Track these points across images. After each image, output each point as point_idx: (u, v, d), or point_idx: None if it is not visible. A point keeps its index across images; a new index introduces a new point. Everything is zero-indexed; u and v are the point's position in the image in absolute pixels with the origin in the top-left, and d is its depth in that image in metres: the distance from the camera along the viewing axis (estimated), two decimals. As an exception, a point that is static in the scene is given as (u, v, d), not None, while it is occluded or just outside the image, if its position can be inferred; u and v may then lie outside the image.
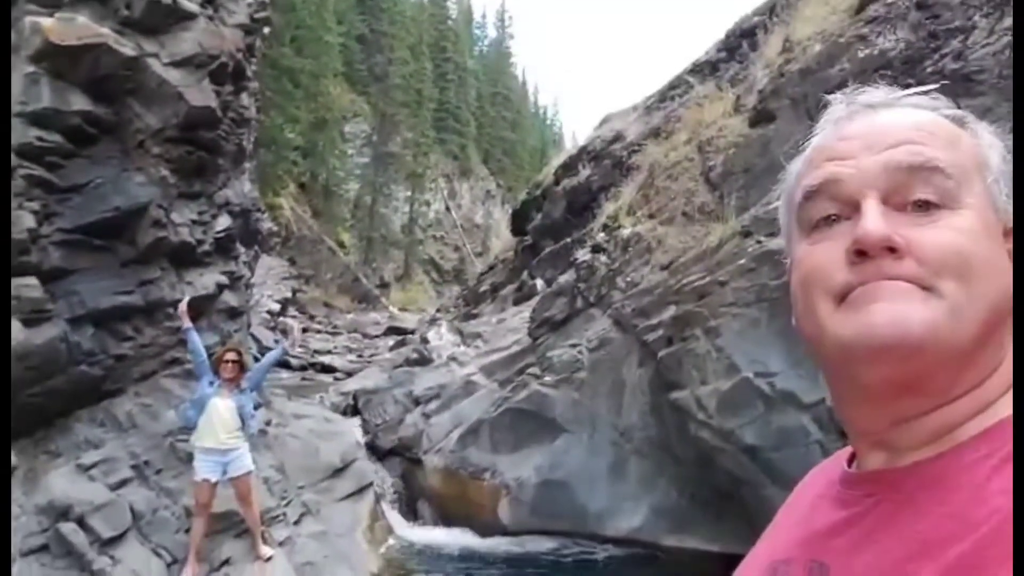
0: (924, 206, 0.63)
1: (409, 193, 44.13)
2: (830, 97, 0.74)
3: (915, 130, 0.66)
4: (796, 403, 6.23)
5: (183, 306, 6.53)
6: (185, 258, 7.43)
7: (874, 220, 0.63)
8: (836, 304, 0.64)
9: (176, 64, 6.88)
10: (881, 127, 0.67)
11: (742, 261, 6.90)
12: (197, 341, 6.45)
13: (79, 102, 6.19)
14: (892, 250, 0.62)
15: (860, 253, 0.63)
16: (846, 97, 0.72)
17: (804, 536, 0.70)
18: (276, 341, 15.81)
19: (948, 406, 0.63)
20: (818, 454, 5.98)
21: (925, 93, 0.70)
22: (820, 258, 0.66)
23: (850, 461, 0.74)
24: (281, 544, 6.52)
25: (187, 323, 6.46)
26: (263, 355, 9.97)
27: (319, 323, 26.14)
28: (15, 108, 5.75)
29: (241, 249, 8.66)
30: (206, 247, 7.70)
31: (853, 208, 0.65)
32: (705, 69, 13.66)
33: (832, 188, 0.67)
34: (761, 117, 8.88)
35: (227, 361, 6.34)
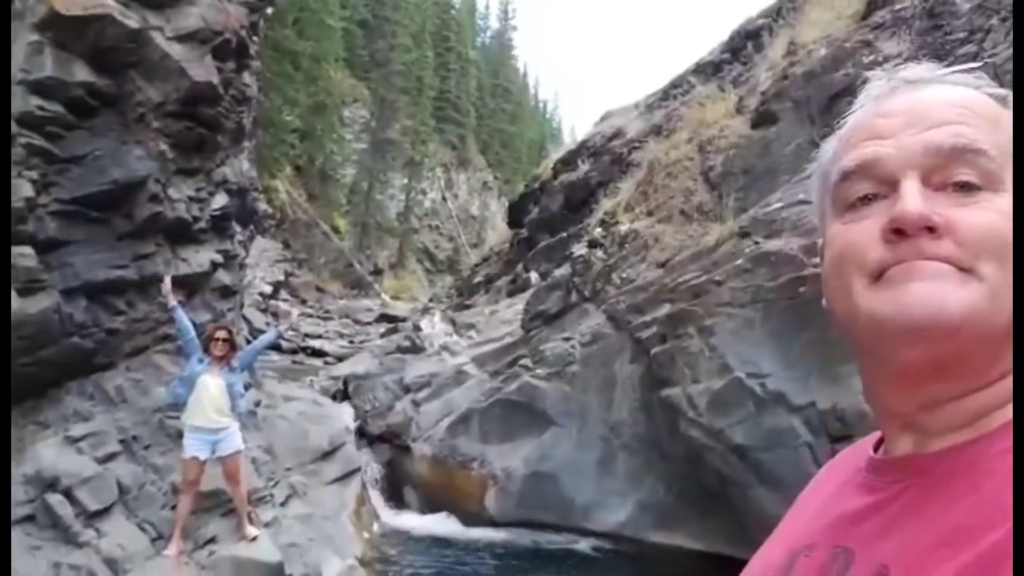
0: (965, 187, 0.62)
1: (406, 181, 43.97)
2: (871, 73, 0.72)
3: (958, 109, 0.64)
4: (787, 405, 6.25)
5: (167, 284, 6.49)
6: (181, 234, 7.39)
7: (913, 198, 0.61)
8: (871, 283, 0.63)
9: (180, 39, 6.84)
10: (923, 105, 0.66)
11: (739, 262, 6.92)
12: (184, 319, 6.43)
13: (81, 73, 6.14)
14: (931, 230, 0.60)
15: (897, 232, 0.61)
16: (887, 73, 0.71)
17: (828, 522, 0.69)
18: (268, 324, 15.80)
19: (982, 391, 0.61)
20: (807, 456, 6.02)
21: (968, 71, 0.68)
22: (855, 236, 0.65)
23: (875, 448, 0.73)
24: (267, 525, 6.51)
25: (172, 301, 6.44)
26: (254, 337, 9.95)
27: (311, 307, 26.07)
28: (17, 76, 5.70)
29: (237, 228, 8.62)
30: (202, 224, 7.65)
31: (891, 187, 0.64)
32: (708, 69, 13.66)
33: (871, 168, 0.66)
34: (763, 119, 8.88)
35: (217, 339, 6.31)
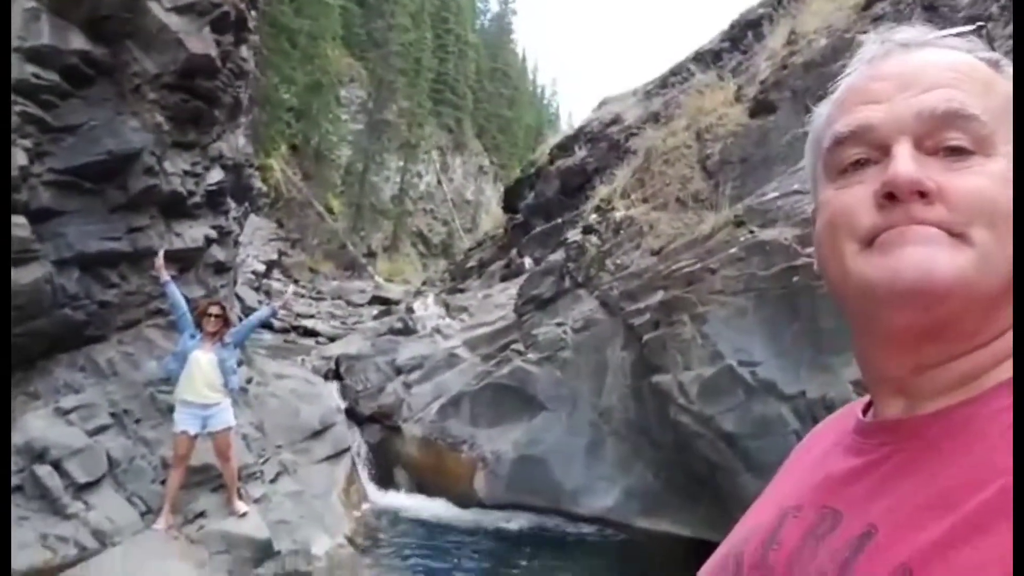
0: (957, 151, 0.62)
1: (401, 163, 43.80)
2: (865, 36, 0.72)
3: (950, 73, 0.64)
4: (777, 393, 6.28)
5: (160, 260, 6.46)
6: (175, 208, 7.35)
7: (905, 163, 0.61)
8: (862, 247, 0.63)
9: (178, 10, 6.78)
10: (915, 68, 0.66)
11: (733, 250, 6.92)
12: (177, 294, 6.41)
13: (78, 41, 6.08)
14: (922, 195, 0.60)
15: (889, 196, 0.62)
16: (880, 35, 0.71)
17: (816, 483, 0.69)
18: (261, 302, 15.77)
19: (972, 354, 0.62)
20: (795, 444, 6.03)
21: (961, 35, 0.68)
22: (847, 201, 0.65)
23: (864, 412, 0.73)
24: (256, 501, 6.53)
25: (165, 276, 6.41)
26: (246, 315, 9.92)
27: (303, 287, 26.02)
28: (13, 43, 5.63)
29: (232, 204, 8.58)
30: (197, 199, 7.62)
31: (883, 152, 0.64)
32: (707, 57, 13.62)
33: (864, 134, 0.65)
34: (761, 108, 8.88)
35: (210, 315, 6.30)
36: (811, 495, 0.68)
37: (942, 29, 0.70)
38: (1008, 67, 0.67)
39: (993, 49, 0.68)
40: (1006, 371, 0.61)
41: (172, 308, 6.50)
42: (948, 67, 0.65)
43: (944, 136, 0.62)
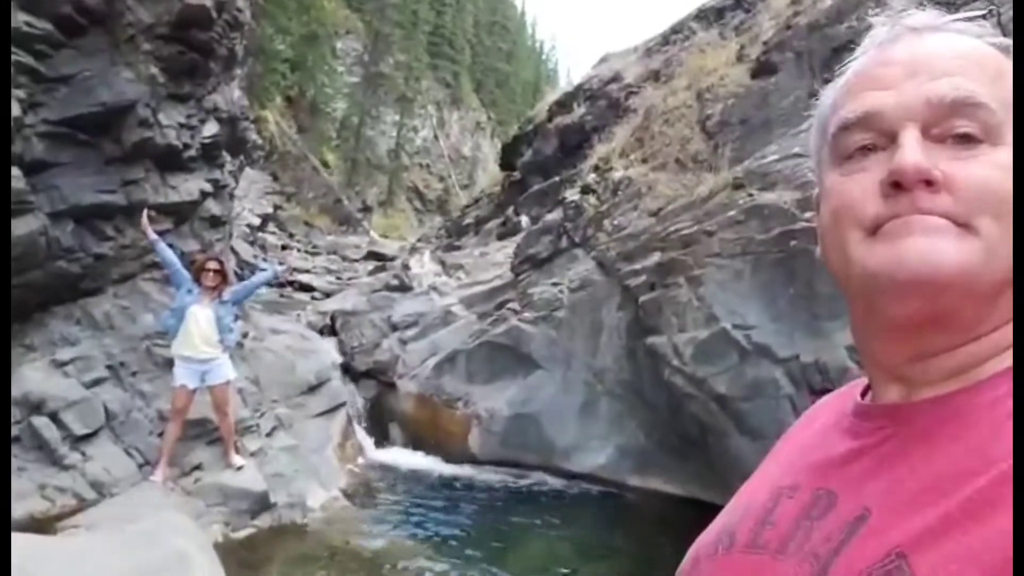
0: (965, 139, 0.61)
1: (398, 117, 43.34)
2: (874, 19, 0.71)
3: (960, 60, 0.64)
4: (771, 357, 6.32)
5: (145, 219, 6.42)
6: (170, 161, 7.28)
7: (912, 152, 0.61)
8: (867, 236, 0.63)
9: (172, -42, 6.64)
10: (925, 54, 0.65)
11: (731, 213, 6.90)
12: (167, 251, 6.40)
13: (70, -11, 5.97)
14: (929, 184, 0.60)
15: (895, 185, 0.61)
16: (890, 19, 0.70)
17: (812, 464, 0.70)
18: (256, 256, 15.72)
19: (972, 343, 0.62)
20: (787, 407, 6.11)
21: (971, 19, 0.67)
22: (852, 188, 0.65)
23: (863, 394, 0.74)
24: (253, 455, 6.59)
25: (152, 235, 6.39)
26: (242, 269, 9.91)
27: (298, 241, 25.93)
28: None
29: (227, 157, 8.50)
30: (192, 152, 7.54)
31: (890, 138, 0.64)
32: (710, 15, 13.41)
33: (871, 120, 0.65)
34: (763, 69, 8.78)
35: (208, 269, 6.30)
36: (807, 476, 0.69)
37: (952, 13, 0.69)
38: None
39: (1004, 34, 0.68)
40: (1005, 360, 0.61)
41: (166, 266, 6.49)
42: (958, 54, 0.64)
43: (952, 124, 0.62)
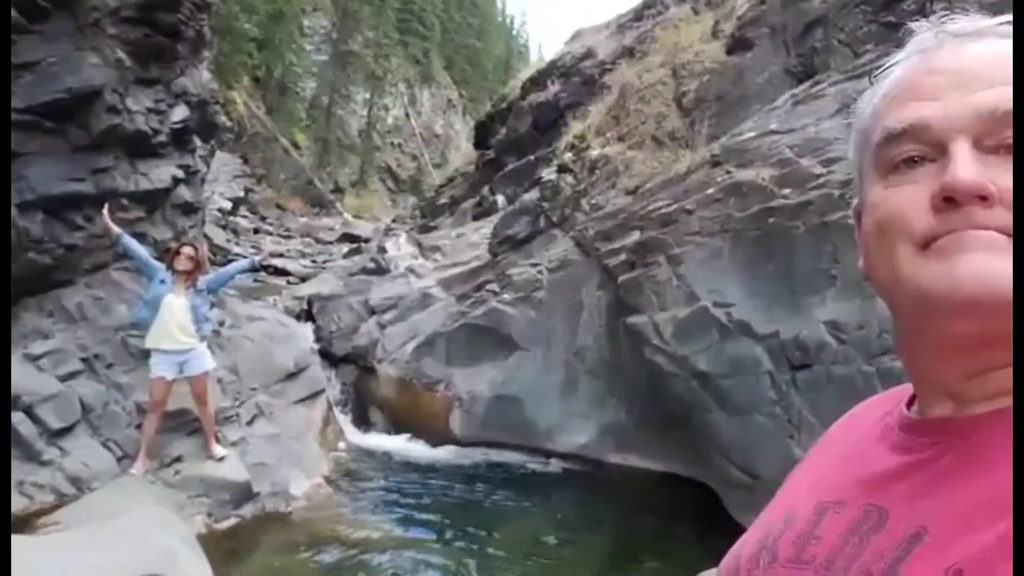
0: None
1: (368, 96, 42.83)
2: (915, 25, 0.69)
3: (1007, 66, 0.61)
4: (750, 334, 6.36)
5: (105, 214, 6.27)
6: (140, 148, 7.12)
7: (965, 166, 0.58)
8: (918, 251, 0.60)
9: (135, -62, 6.45)
10: (971, 63, 0.63)
11: (710, 191, 6.91)
12: (133, 244, 6.29)
13: (31, -28, 5.78)
14: (983, 199, 0.58)
15: (948, 200, 0.59)
16: (933, 24, 0.67)
17: (858, 479, 0.68)
18: (229, 241, 15.52)
19: None
20: (767, 383, 6.16)
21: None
22: (902, 202, 0.62)
23: (907, 405, 0.71)
24: (234, 444, 6.53)
25: (115, 230, 6.25)
26: (215, 255, 9.77)
27: (271, 225, 25.65)
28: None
29: (198, 142, 8.33)
30: (162, 137, 7.38)
31: (939, 150, 0.61)
32: (683, -10, 13.36)
33: (918, 132, 0.62)
34: (738, 44, 8.78)
35: (183, 255, 6.19)
36: (854, 491, 0.67)
37: (995, 15, 0.67)
38: None
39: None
40: None
41: (135, 259, 6.38)
42: (1006, 60, 0.62)
43: (1005, 135, 0.59)
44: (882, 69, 0.70)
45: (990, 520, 0.54)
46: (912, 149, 0.63)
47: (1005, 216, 0.58)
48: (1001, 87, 0.61)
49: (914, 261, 0.61)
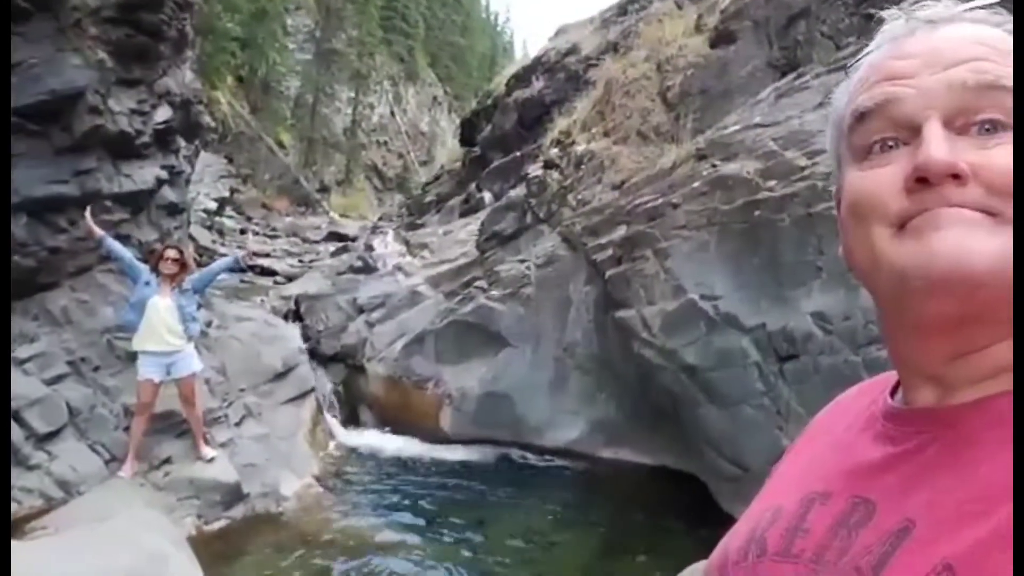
0: (990, 126, 0.60)
1: (353, 95, 42.66)
2: (886, 13, 0.69)
3: (980, 46, 0.62)
4: (737, 326, 6.39)
5: (88, 217, 6.23)
6: (123, 149, 7.07)
7: (938, 145, 0.59)
8: (894, 232, 0.61)
9: (116, -62, 6.40)
10: (942, 44, 0.63)
11: (695, 184, 6.93)
12: (116, 246, 6.26)
13: (9, -28, 5.72)
14: (956, 177, 0.58)
15: (921, 180, 0.59)
16: (904, 12, 0.68)
17: (844, 470, 0.67)
18: (215, 242, 15.44)
19: (1008, 340, 0.59)
20: (755, 375, 6.20)
21: (987, 7, 0.66)
22: (875, 184, 0.62)
23: (891, 393, 0.71)
24: (223, 445, 6.51)
25: (98, 232, 6.22)
26: (201, 256, 9.72)
27: (257, 224, 25.53)
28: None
29: (182, 143, 8.28)
30: (145, 138, 7.33)
31: (912, 131, 0.61)
32: (666, -15, 13.37)
33: (890, 109, 0.63)
34: (721, 38, 8.80)
35: (167, 258, 6.16)
36: (840, 482, 0.66)
37: (967, 2, 0.68)
38: None
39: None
40: None
41: (119, 262, 6.34)
42: (976, 40, 0.62)
43: (976, 111, 0.60)
44: (856, 59, 0.71)
45: (980, 514, 0.53)
46: (885, 130, 0.63)
47: (978, 194, 0.58)
48: (972, 63, 0.61)
49: (890, 242, 0.61)
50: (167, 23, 7.24)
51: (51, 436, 5.83)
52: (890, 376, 0.73)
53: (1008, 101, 0.60)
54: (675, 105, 8.68)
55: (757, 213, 6.32)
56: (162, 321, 6.03)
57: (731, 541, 0.75)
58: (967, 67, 0.61)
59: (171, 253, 6.21)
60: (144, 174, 7.33)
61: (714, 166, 6.89)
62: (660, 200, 7.16)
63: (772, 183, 6.32)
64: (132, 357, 6.18)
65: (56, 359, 6.26)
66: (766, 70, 8.24)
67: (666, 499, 6.82)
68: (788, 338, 6.02)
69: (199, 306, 6.72)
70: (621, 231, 7.43)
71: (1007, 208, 0.57)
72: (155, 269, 6.15)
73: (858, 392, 0.80)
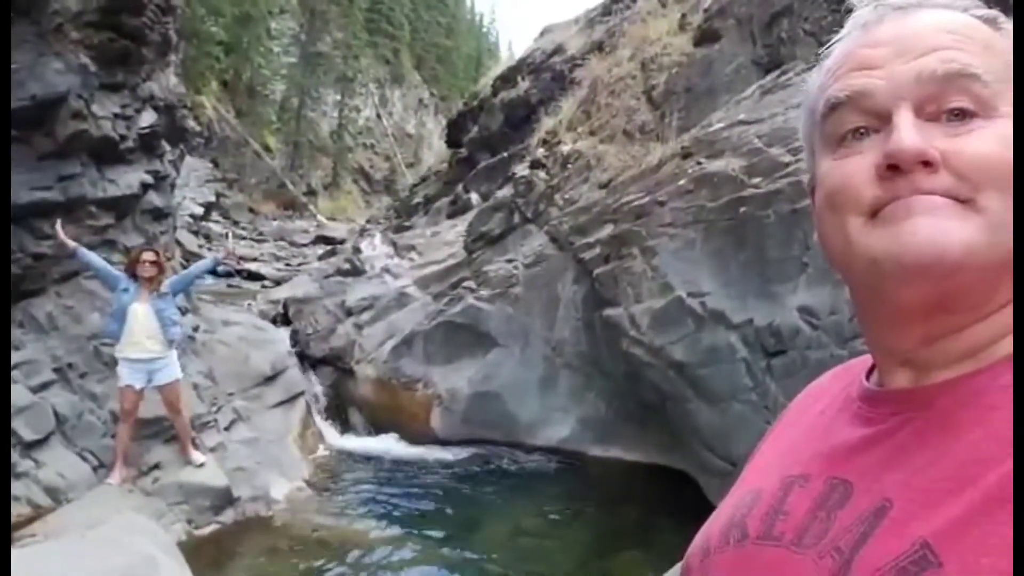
0: (959, 114, 0.60)
1: (338, 97, 42.57)
2: (856, 1, 0.70)
3: (948, 34, 0.62)
4: (725, 322, 6.41)
5: (59, 228, 6.13)
6: (107, 154, 7.03)
7: (908, 133, 0.59)
8: (867, 220, 0.61)
9: (97, -59, 6.37)
10: (912, 32, 0.63)
11: (681, 182, 6.95)
12: (90, 256, 6.19)
13: (-11, -22, 5.68)
14: (927, 164, 0.59)
15: (892, 168, 0.60)
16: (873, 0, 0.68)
17: (822, 452, 0.68)
18: (201, 247, 15.37)
19: (982, 323, 0.60)
20: (743, 370, 6.23)
21: None
22: (848, 173, 0.63)
23: (867, 375, 0.71)
24: (212, 450, 6.48)
25: (71, 244, 6.14)
26: (188, 260, 9.67)
27: (243, 229, 25.43)
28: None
29: (166, 147, 8.24)
30: (129, 143, 7.30)
31: (883, 120, 0.62)
32: (650, -16, 13.41)
33: (861, 100, 0.63)
34: (705, 36, 8.84)
35: (144, 261, 6.10)
36: (818, 464, 0.67)
37: None
38: (1006, 24, 0.65)
39: (990, 6, 0.67)
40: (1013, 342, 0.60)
41: (96, 272, 6.28)
42: (946, 28, 0.63)
43: (946, 99, 0.60)
44: (826, 47, 0.71)
45: (956, 491, 0.54)
46: (856, 119, 0.64)
47: (949, 181, 0.58)
48: (941, 51, 0.61)
49: (864, 230, 0.61)
50: (150, 27, 7.20)
51: (38, 443, 5.79)
52: (865, 360, 0.74)
53: (976, 88, 0.60)
54: (660, 104, 8.71)
55: (743, 210, 6.34)
56: (142, 328, 5.98)
57: (711, 527, 0.75)
58: (936, 56, 0.61)
59: (148, 256, 6.16)
60: (129, 179, 7.29)
61: (699, 164, 6.92)
62: (646, 198, 7.18)
63: (757, 180, 6.35)
64: (118, 363, 6.15)
65: (42, 366, 6.21)
66: (750, 68, 8.29)
67: (656, 496, 6.84)
68: (775, 333, 6.05)
69: (185, 311, 6.68)
70: (608, 230, 7.45)
71: (977, 195, 0.58)
72: (133, 274, 6.10)
73: (832, 376, 0.81)
